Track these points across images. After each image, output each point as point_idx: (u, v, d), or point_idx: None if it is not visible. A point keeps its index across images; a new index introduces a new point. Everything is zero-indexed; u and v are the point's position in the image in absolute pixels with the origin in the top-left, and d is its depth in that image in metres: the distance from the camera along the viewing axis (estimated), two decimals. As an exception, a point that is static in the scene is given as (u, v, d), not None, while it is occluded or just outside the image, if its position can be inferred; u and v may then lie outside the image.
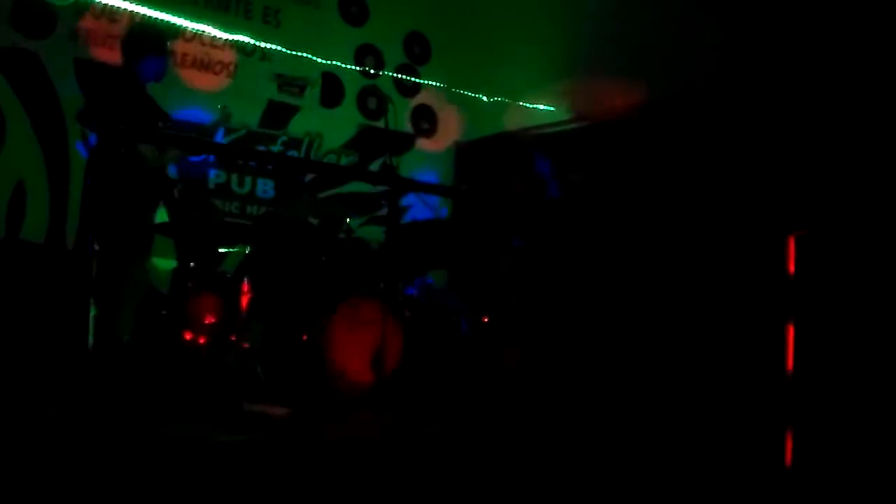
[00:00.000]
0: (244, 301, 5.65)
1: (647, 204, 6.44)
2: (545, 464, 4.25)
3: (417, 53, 8.70)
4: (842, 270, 5.19)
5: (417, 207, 7.47)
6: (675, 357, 5.76)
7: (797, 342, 5.24)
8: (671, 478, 4.37)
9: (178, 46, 7.14)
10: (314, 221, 6.59)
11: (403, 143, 8.28)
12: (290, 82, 7.81)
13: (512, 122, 8.08)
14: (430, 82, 8.54)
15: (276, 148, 7.74)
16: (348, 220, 6.24)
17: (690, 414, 5.28)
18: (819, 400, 4.99)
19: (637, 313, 6.13)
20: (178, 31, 7.01)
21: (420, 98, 8.65)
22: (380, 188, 6.53)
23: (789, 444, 4.89)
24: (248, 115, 7.56)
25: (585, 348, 6.00)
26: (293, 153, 7.83)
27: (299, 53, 7.67)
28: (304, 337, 5.56)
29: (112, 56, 6.58)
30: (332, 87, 8.10)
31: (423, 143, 8.62)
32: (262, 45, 7.53)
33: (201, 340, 5.44)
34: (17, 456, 3.42)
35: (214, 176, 7.41)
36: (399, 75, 8.49)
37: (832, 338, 5.09)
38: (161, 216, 5.61)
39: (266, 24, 7.79)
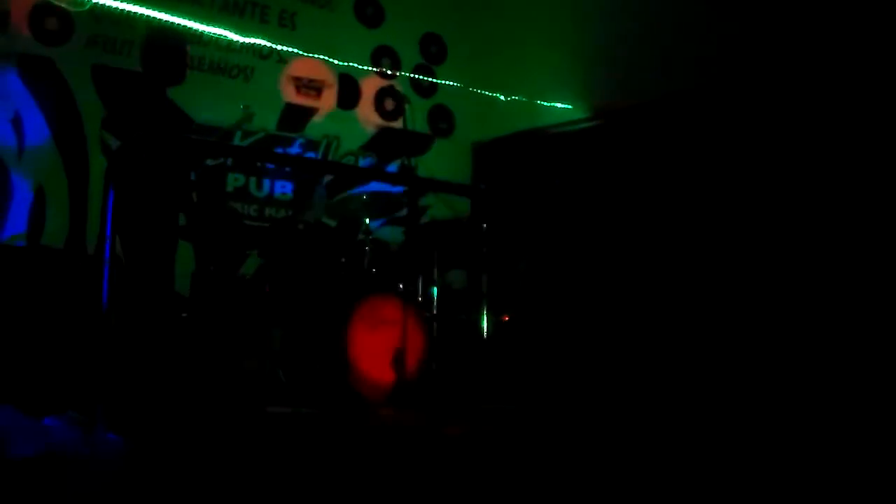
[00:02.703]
0: (265, 303, 5.66)
1: (665, 202, 6.42)
2: (564, 461, 4.23)
3: (434, 53, 8.70)
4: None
5: (436, 207, 7.47)
6: (694, 354, 5.73)
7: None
8: (682, 474, 4.34)
9: (196, 50, 7.15)
10: (332, 223, 6.58)
11: (421, 143, 8.28)
12: (307, 85, 7.83)
13: (529, 121, 8.06)
14: (447, 82, 8.52)
15: (294, 150, 7.75)
16: (367, 220, 6.23)
17: (704, 408, 5.26)
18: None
19: (656, 310, 6.11)
20: (194, 36, 7.02)
21: (437, 98, 8.64)
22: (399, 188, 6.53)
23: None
24: (266, 118, 7.57)
25: (603, 347, 5.99)
26: (311, 155, 7.84)
27: (316, 56, 7.66)
28: (325, 338, 5.56)
29: (129, 61, 6.62)
30: (349, 89, 8.11)
31: (440, 143, 8.60)
32: (279, 47, 7.53)
33: (222, 343, 5.45)
34: (36, 459, 3.43)
35: (233, 179, 7.41)
36: (416, 76, 8.49)
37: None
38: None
39: (282, 27, 7.80)
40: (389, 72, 8.32)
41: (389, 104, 8.25)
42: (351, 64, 7.90)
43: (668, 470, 4.23)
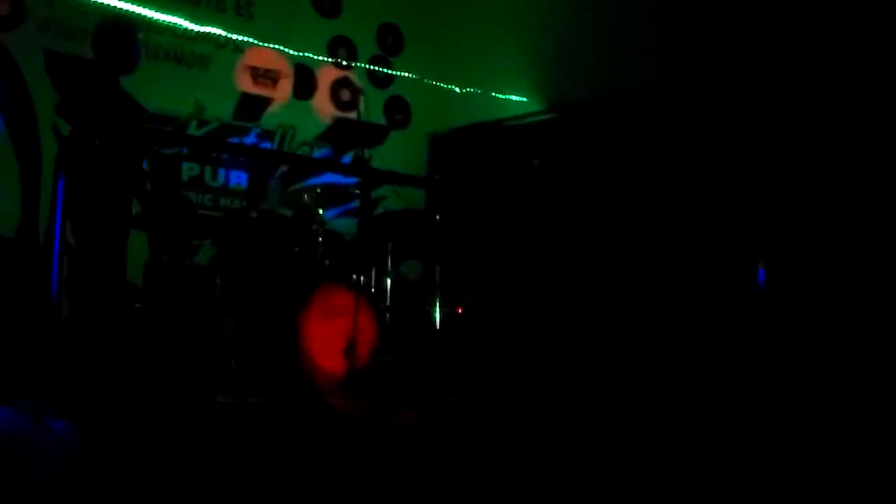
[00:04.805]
0: (218, 293, 5.67)
1: (619, 194, 6.49)
2: (518, 450, 4.29)
3: (390, 44, 8.71)
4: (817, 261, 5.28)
5: (391, 198, 7.50)
6: (647, 343, 5.82)
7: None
8: (645, 467, 4.41)
9: (150, 39, 7.11)
10: (287, 213, 6.59)
11: (377, 134, 8.30)
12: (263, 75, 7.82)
13: (485, 113, 8.10)
14: (404, 73, 8.54)
15: (249, 140, 7.74)
16: (321, 211, 6.24)
17: (662, 400, 5.34)
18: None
19: (611, 301, 6.18)
20: (149, 24, 6.98)
21: (393, 89, 8.66)
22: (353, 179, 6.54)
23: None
24: (221, 108, 7.54)
25: (558, 337, 6.05)
26: (267, 145, 7.83)
27: (272, 45, 7.65)
28: (278, 328, 5.58)
29: (83, 48, 6.57)
30: (305, 79, 8.10)
31: (396, 134, 8.63)
32: (235, 37, 7.51)
33: (175, 332, 5.45)
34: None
35: (188, 168, 7.39)
36: (372, 66, 8.50)
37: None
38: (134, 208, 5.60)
39: (238, 16, 7.77)
40: (346, 62, 8.32)
41: (345, 95, 8.25)
42: (307, 54, 7.90)
43: (619, 461, 4.31)
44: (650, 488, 3.91)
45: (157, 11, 6.89)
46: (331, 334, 5.40)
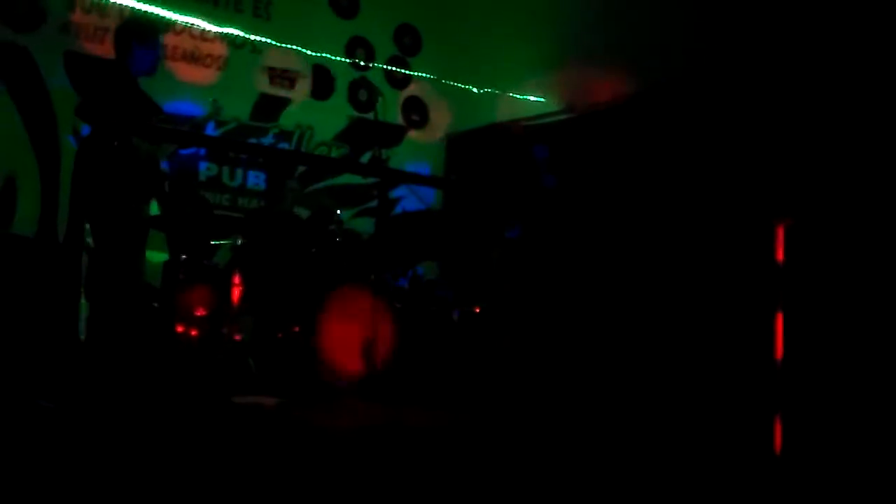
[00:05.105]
0: (235, 293, 5.67)
1: (636, 194, 6.46)
2: (534, 452, 4.28)
3: (408, 45, 8.72)
4: (830, 259, 5.22)
5: (408, 199, 7.49)
6: (665, 345, 5.78)
7: (786, 331, 5.28)
8: (661, 465, 4.39)
9: (169, 39, 7.14)
10: (304, 213, 6.60)
11: (394, 134, 8.30)
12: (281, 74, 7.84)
13: (502, 114, 8.10)
14: (421, 74, 8.55)
15: (267, 140, 7.75)
16: (339, 211, 6.25)
17: (680, 401, 5.31)
18: (809, 388, 5.02)
19: (628, 302, 6.15)
20: (168, 25, 7.01)
21: (411, 90, 8.67)
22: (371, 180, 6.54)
23: (778, 432, 4.92)
24: (239, 108, 7.57)
25: (576, 338, 6.03)
26: (284, 145, 7.84)
27: (290, 46, 7.67)
28: (296, 328, 5.58)
29: (103, 49, 6.60)
30: (323, 80, 8.12)
31: (413, 135, 8.63)
32: (253, 37, 7.53)
33: (193, 333, 5.46)
34: (8, 449, 3.44)
35: (206, 169, 7.42)
36: (390, 67, 8.51)
37: (822, 326, 5.13)
38: (153, 209, 5.61)
39: (257, 17, 7.80)
40: (363, 63, 8.33)
41: (363, 95, 8.26)
42: (325, 55, 7.92)
43: (639, 460, 4.29)
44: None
45: (175, 12, 6.91)
46: (349, 335, 5.39)
